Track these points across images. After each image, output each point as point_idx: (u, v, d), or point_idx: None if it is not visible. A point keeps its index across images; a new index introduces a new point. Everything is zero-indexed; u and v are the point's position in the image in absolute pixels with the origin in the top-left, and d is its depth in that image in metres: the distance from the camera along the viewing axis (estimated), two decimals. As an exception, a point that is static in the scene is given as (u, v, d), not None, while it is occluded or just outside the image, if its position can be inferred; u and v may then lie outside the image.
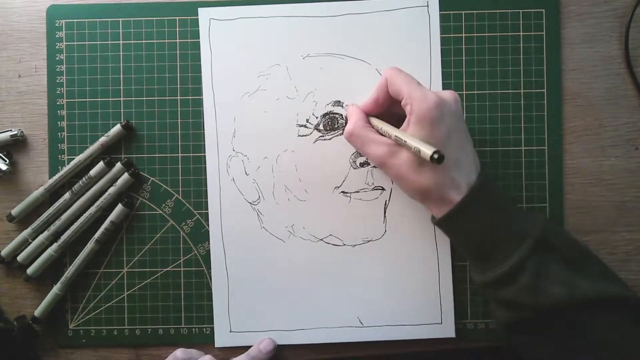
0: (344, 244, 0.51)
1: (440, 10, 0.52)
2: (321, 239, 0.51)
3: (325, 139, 0.51)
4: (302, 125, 0.51)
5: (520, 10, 0.52)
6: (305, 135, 0.51)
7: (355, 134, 0.45)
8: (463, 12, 0.52)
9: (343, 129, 0.50)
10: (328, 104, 0.51)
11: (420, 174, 0.42)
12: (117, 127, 0.51)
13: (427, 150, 0.38)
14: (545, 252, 0.40)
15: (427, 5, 0.51)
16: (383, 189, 0.51)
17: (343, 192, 0.51)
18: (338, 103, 0.51)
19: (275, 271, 0.51)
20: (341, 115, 0.51)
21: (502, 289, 0.41)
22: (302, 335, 0.51)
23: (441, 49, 0.51)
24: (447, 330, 0.51)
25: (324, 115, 0.51)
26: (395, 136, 0.42)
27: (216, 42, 0.52)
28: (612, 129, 0.52)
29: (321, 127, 0.51)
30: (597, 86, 0.52)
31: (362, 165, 0.51)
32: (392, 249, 0.51)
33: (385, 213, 0.51)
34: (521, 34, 0.52)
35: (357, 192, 0.51)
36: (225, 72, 0.52)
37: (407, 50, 0.51)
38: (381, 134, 0.45)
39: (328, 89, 0.51)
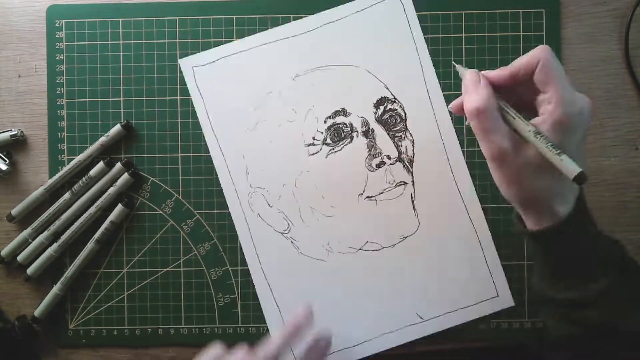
0: (383, 247, 0.51)
1: (440, 10, 0.52)
2: (359, 249, 0.51)
3: (335, 151, 0.51)
4: (309, 144, 0.51)
5: (520, 10, 0.52)
6: (316, 153, 0.51)
7: (486, 112, 0.37)
8: (463, 12, 0.52)
9: (350, 138, 0.50)
10: (329, 117, 0.51)
11: (538, 179, 0.37)
12: (117, 127, 0.51)
13: (574, 168, 0.34)
14: (629, 277, 0.40)
15: None
16: (405, 183, 0.51)
17: (368, 197, 0.51)
18: (339, 113, 0.51)
19: (323, 292, 0.51)
20: (345, 124, 0.51)
21: (576, 310, 0.40)
22: (366, 347, 0.51)
23: (441, 49, 0.51)
24: (505, 301, 0.51)
25: (328, 128, 0.51)
26: (534, 135, 0.36)
27: (205, 88, 0.52)
28: (612, 129, 0.52)
29: (328, 140, 0.51)
30: (597, 86, 0.52)
31: (378, 166, 0.50)
32: (430, 240, 0.51)
33: (414, 206, 0.51)
34: (521, 34, 0.52)
35: (381, 193, 0.51)
36: (221, 113, 0.52)
37: (390, 43, 0.51)
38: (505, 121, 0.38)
39: (325, 102, 0.51)
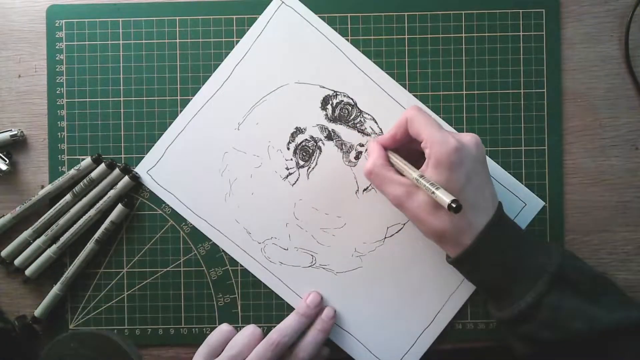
0: (403, 225, 0.51)
1: (440, 10, 0.52)
2: (385, 237, 0.51)
3: (313, 168, 0.51)
4: (287, 175, 0.51)
5: (520, 10, 0.52)
6: (298, 179, 0.51)
7: (375, 173, 0.44)
8: (463, 12, 0.52)
9: (319, 149, 0.51)
10: (289, 142, 0.51)
11: (437, 216, 0.41)
12: (88, 161, 0.51)
13: (446, 199, 0.38)
14: (562, 286, 0.41)
15: (282, 2, 0.51)
16: None
17: (364, 189, 0.51)
18: (295, 133, 0.51)
19: (367, 293, 0.51)
20: (306, 139, 0.51)
21: (520, 326, 0.42)
22: (419, 347, 0.51)
23: (441, 49, 0.52)
24: (535, 205, 0.51)
25: (294, 151, 0.51)
26: (415, 178, 0.42)
27: (168, 183, 0.51)
28: (612, 129, 0.52)
29: (301, 162, 0.51)
30: (597, 86, 0.52)
31: (356, 158, 0.51)
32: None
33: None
34: (521, 34, 0.52)
35: None
36: (196, 196, 0.51)
37: (302, 47, 0.51)
38: (399, 172, 0.44)
39: (278, 131, 0.51)
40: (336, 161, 0.51)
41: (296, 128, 0.51)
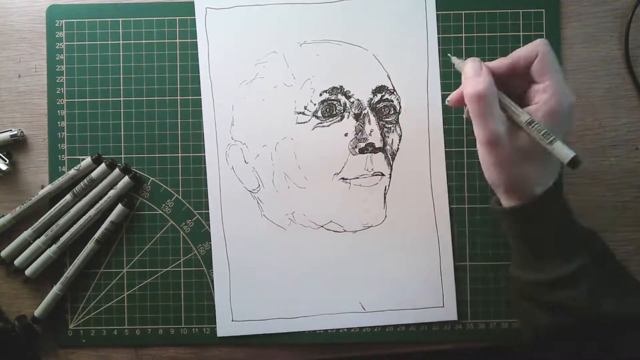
0: (345, 230, 0.51)
1: (440, 10, 0.52)
2: (322, 226, 0.51)
3: (323, 126, 0.51)
4: (300, 113, 0.51)
5: (520, 10, 0.52)
6: (304, 123, 0.51)
7: (486, 96, 0.38)
8: (463, 12, 0.52)
9: (341, 117, 0.51)
10: (326, 91, 0.51)
11: (526, 164, 0.39)
12: (87, 160, 0.51)
13: (568, 153, 0.36)
14: (605, 263, 0.41)
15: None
16: (382, 174, 0.51)
17: (343, 178, 0.51)
18: (336, 89, 0.51)
19: (277, 259, 0.51)
20: (339, 101, 0.51)
21: (555, 291, 0.40)
22: (304, 323, 0.51)
23: (441, 49, 0.51)
24: (449, 313, 0.51)
25: (322, 102, 0.51)
26: (528, 121, 0.38)
27: (213, 31, 0.52)
28: (612, 129, 0.52)
29: (319, 114, 0.51)
30: (597, 86, 0.52)
31: (360, 151, 0.51)
32: (393, 234, 0.51)
33: (385, 198, 0.51)
34: (521, 34, 0.52)
35: (357, 178, 0.51)
36: (222, 60, 0.52)
37: (403, 36, 0.51)
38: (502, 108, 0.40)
39: (325, 75, 0.51)
40: (344, 139, 0.51)
41: (340, 86, 0.51)
